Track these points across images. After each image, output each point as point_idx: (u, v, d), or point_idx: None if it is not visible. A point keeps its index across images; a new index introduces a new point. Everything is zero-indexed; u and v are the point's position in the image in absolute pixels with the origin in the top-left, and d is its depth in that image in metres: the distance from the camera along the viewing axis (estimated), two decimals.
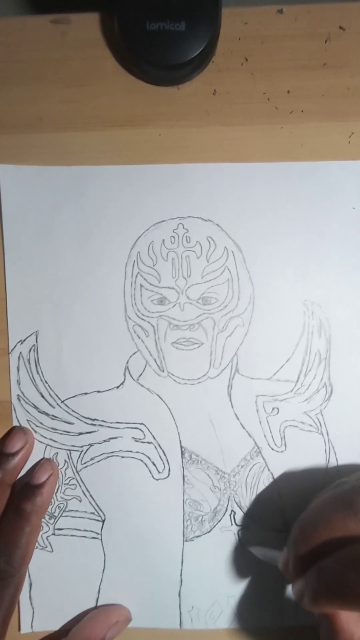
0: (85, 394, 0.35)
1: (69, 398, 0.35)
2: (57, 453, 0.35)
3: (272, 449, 0.35)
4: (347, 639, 0.28)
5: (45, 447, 0.35)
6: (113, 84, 0.35)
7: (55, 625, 0.36)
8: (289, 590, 0.35)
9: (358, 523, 0.26)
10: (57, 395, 0.35)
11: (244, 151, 0.35)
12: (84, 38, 0.35)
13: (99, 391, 0.35)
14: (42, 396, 0.35)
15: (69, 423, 0.35)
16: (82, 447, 0.35)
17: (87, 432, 0.35)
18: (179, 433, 0.35)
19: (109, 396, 0.35)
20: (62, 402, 0.35)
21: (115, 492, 0.35)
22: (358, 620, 0.28)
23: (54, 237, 0.35)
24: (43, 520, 0.35)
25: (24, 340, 0.35)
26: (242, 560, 0.35)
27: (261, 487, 0.35)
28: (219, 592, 0.35)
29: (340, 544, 0.27)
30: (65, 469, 0.35)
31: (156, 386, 0.35)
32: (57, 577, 0.35)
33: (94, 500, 0.35)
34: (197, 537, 0.35)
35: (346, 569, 0.26)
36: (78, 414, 0.35)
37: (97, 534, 0.35)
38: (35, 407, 0.35)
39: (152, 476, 0.35)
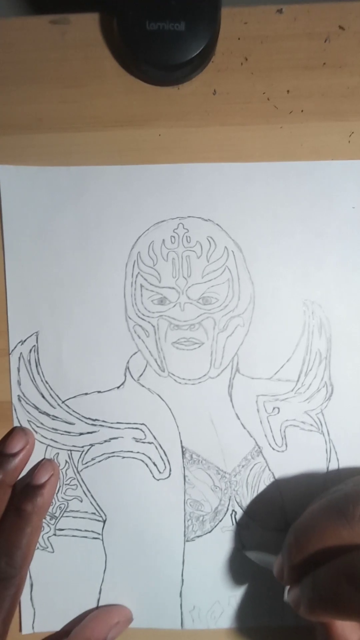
0: (86, 394, 0.35)
1: (70, 398, 0.35)
2: (58, 453, 0.35)
3: (273, 449, 0.35)
4: None
5: (46, 447, 0.35)
6: (113, 84, 0.35)
7: (56, 626, 0.36)
8: None
9: (351, 531, 0.26)
10: (57, 396, 0.35)
11: (243, 151, 0.35)
12: (83, 38, 0.35)
13: (99, 391, 0.35)
14: (43, 397, 0.35)
15: (70, 423, 0.35)
16: (83, 447, 0.35)
17: (88, 433, 0.35)
18: (179, 433, 0.35)
19: (110, 396, 0.35)
20: (63, 402, 0.35)
21: (116, 493, 0.35)
22: (353, 627, 0.28)
23: (54, 237, 0.35)
24: (44, 520, 0.35)
25: (25, 340, 0.35)
26: (243, 560, 0.35)
27: (262, 487, 0.35)
28: (220, 592, 0.35)
29: (334, 552, 0.27)
30: (66, 469, 0.35)
31: (157, 386, 0.35)
32: (58, 577, 0.35)
33: (95, 501, 0.35)
34: (198, 537, 0.35)
35: (339, 580, 0.25)
36: (79, 414, 0.35)
37: (98, 534, 0.35)
38: (36, 408, 0.35)
39: (153, 476, 0.35)
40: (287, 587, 0.30)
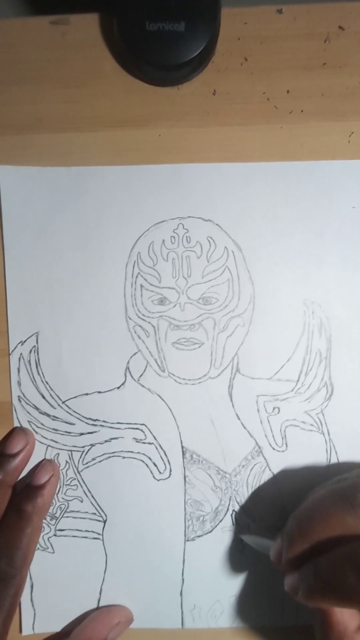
0: (86, 394, 0.35)
1: (70, 399, 0.35)
2: (58, 454, 0.35)
3: (273, 449, 0.35)
4: (341, 631, 0.28)
5: (47, 447, 0.35)
6: (112, 85, 0.35)
7: (56, 627, 0.35)
8: None
9: (357, 520, 0.26)
10: (58, 396, 0.35)
11: (243, 151, 0.35)
12: (83, 39, 0.35)
13: (99, 392, 0.35)
14: (43, 397, 0.35)
15: (70, 424, 0.35)
16: (83, 447, 0.35)
17: (88, 433, 0.35)
18: (180, 433, 0.35)
19: (110, 397, 0.35)
20: (63, 402, 0.35)
21: (116, 493, 0.35)
22: (352, 614, 0.28)
23: (54, 237, 0.35)
24: (44, 521, 0.35)
25: (25, 341, 0.35)
26: (244, 560, 0.35)
27: (262, 487, 0.35)
28: (221, 591, 0.35)
29: (338, 540, 0.27)
30: (67, 470, 0.35)
31: (157, 386, 0.35)
32: (58, 578, 0.35)
33: (95, 501, 0.35)
34: (198, 536, 0.35)
35: (344, 568, 0.25)
36: (79, 414, 0.35)
37: (99, 534, 0.35)
38: (36, 408, 0.35)
39: (154, 476, 0.35)
40: None
